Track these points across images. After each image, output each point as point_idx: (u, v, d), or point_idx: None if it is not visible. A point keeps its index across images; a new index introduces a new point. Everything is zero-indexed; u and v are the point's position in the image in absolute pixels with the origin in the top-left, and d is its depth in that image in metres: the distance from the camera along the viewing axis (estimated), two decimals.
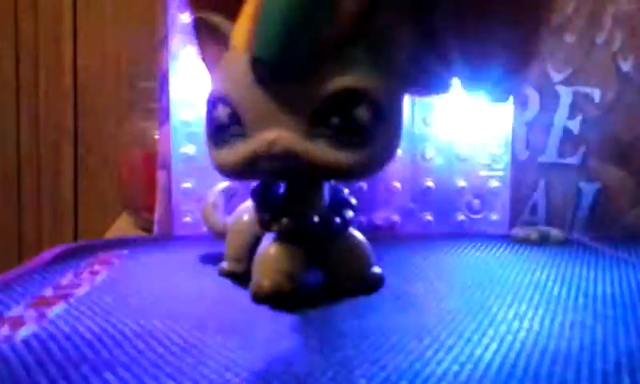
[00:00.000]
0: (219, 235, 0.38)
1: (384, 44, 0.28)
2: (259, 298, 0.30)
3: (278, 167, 0.28)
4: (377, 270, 0.33)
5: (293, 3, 0.26)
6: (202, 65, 0.32)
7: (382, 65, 0.28)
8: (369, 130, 0.28)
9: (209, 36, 0.31)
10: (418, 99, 0.47)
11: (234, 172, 0.30)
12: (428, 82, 0.30)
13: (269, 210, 0.32)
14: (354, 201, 0.33)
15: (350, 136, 0.27)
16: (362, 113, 0.27)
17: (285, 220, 0.31)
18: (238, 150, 0.28)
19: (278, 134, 0.27)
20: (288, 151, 0.27)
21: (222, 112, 0.29)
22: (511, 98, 0.44)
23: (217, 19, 0.30)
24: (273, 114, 0.27)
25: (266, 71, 0.27)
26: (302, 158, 0.27)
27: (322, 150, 0.27)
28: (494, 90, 0.30)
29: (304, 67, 0.27)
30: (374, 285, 0.33)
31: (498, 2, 0.27)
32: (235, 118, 0.28)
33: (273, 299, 0.30)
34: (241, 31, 0.27)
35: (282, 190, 0.33)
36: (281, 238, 0.31)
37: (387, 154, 0.30)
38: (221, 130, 0.29)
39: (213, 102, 0.30)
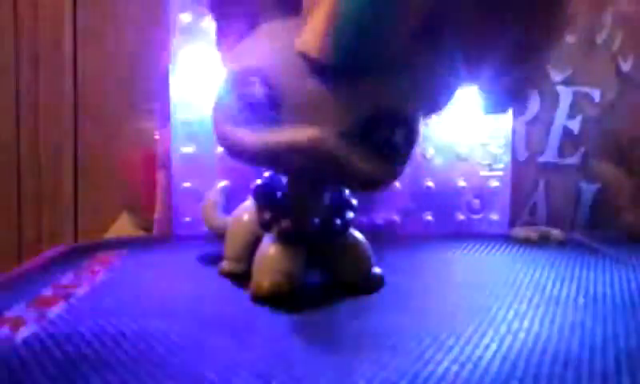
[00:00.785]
0: (219, 234, 0.38)
1: (423, 70, 0.28)
2: (259, 298, 0.30)
3: (307, 165, 0.26)
4: (377, 270, 0.33)
5: (365, 12, 0.25)
6: (223, 34, 0.30)
7: (419, 90, 0.28)
8: (401, 150, 0.28)
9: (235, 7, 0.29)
10: None
11: (255, 157, 0.28)
12: (439, 101, 0.31)
13: (270, 211, 0.32)
14: (354, 202, 0.33)
15: (385, 154, 0.27)
16: (400, 134, 0.27)
17: (285, 221, 0.31)
18: (269, 136, 0.26)
19: (324, 135, 0.26)
20: (330, 153, 0.26)
21: (257, 90, 0.26)
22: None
23: None
24: (319, 112, 0.26)
25: (320, 70, 0.26)
26: (339, 166, 0.26)
27: (359, 160, 0.27)
28: (504, 102, 0.30)
29: (359, 78, 0.26)
30: (374, 285, 0.33)
31: (513, 16, 0.27)
32: (272, 101, 0.26)
33: (272, 299, 0.30)
34: (312, 34, 0.26)
35: (283, 190, 0.32)
36: (281, 238, 0.31)
37: (404, 169, 0.29)
38: (249, 109, 0.27)
39: (245, 75, 0.27)
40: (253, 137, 0.27)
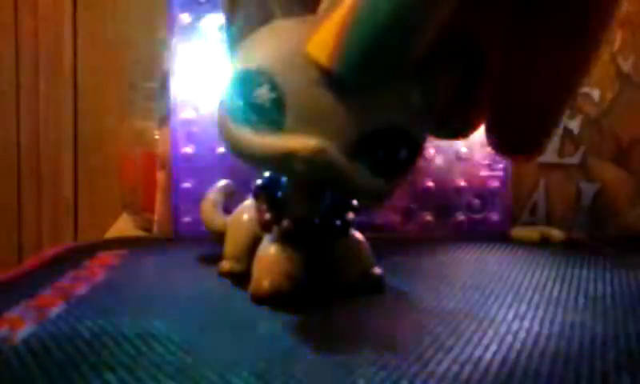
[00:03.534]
0: (218, 234, 0.38)
1: (435, 88, 0.27)
2: (259, 299, 0.30)
3: (306, 173, 0.26)
4: (377, 270, 0.33)
5: (383, 27, 0.23)
6: (232, 27, 0.29)
7: (428, 109, 0.27)
8: (404, 166, 0.27)
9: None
10: None
11: (255, 160, 0.27)
12: (455, 124, 0.29)
13: (270, 211, 0.32)
14: (354, 202, 0.33)
15: (388, 170, 0.27)
16: (405, 152, 0.27)
17: (285, 222, 0.31)
18: (271, 141, 0.26)
19: (324, 144, 0.25)
20: (331, 165, 0.25)
21: (262, 92, 0.26)
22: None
23: None
24: (323, 122, 0.25)
25: (328, 79, 0.25)
26: (342, 178, 0.26)
27: (360, 174, 0.26)
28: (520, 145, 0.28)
29: (368, 91, 0.25)
30: (374, 285, 0.33)
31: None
32: (276, 105, 0.26)
33: (272, 300, 0.30)
34: (324, 40, 0.25)
35: (283, 190, 0.32)
36: (281, 238, 0.31)
37: (404, 180, 0.29)
38: (253, 110, 0.26)
39: (252, 75, 0.26)
40: (255, 139, 0.26)
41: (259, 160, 0.27)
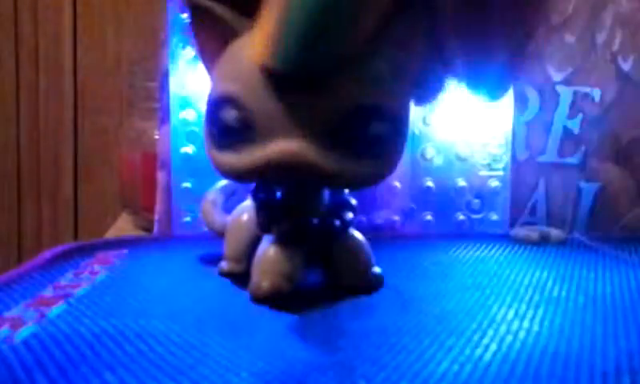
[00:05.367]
0: (219, 234, 0.38)
1: (401, 55, 0.27)
2: (258, 300, 0.30)
3: (290, 176, 0.27)
4: (377, 270, 0.33)
5: (314, 15, 0.24)
6: (199, 58, 0.31)
7: (399, 76, 0.28)
8: (385, 142, 0.28)
9: (207, 26, 0.29)
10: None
11: (241, 177, 0.28)
12: (430, 88, 0.30)
13: (269, 212, 0.32)
14: (353, 202, 0.33)
15: (366, 149, 0.27)
16: (380, 127, 0.27)
17: (284, 222, 0.31)
18: (247, 156, 0.27)
19: (297, 145, 0.26)
20: (307, 164, 0.26)
21: (230, 115, 0.27)
22: (508, 96, 0.44)
23: (217, 7, 0.28)
24: (289, 124, 0.26)
25: (283, 81, 0.26)
26: (319, 171, 0.26)
27: (339, 163, 0.26)
28: (492, 88, 0.30)
29: (322, 80, 0.26)
30: (374, 285, 0.33)
31: (499, 3, 0.27)
32: (244, 123, 0.27)
33: (272, 300, 0.30)
34: (262, 42, 0.26)
35: (281, 192, 0.32)
36: (280, 239, 0.31)
37: (398, 160, 0.29)
38: (226, 133, 0.28)
39: (217, 103, 0.28)
40: (233, 159, 0.28)
41: (244, 176, 0.28)
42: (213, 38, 0.29)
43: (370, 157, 0.27)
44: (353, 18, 0.25)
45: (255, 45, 0.26)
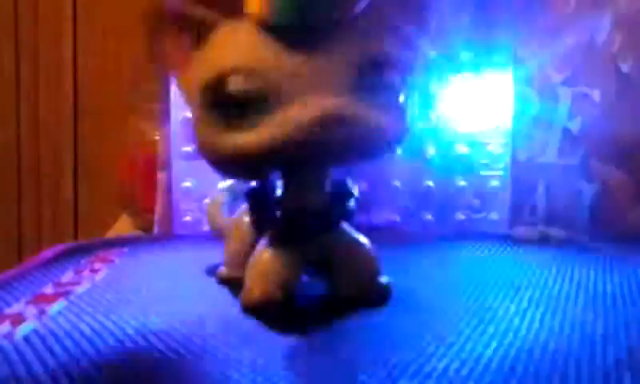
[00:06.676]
0: (223, 235, 0.37)
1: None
2: (248, 308, 0.28)
3: (318, 140, 0.25)
4: (384, 279, 0.31)
5: None
6: (161, 66, 0.30)
7: (403, 34, 0.28)
8: (399, 93, 0.27)
9: (180, 29, 0.28)
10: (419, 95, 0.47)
11: (251, 158, 0.26)
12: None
13: (264, 214, 0.30)
14: (355, 191, 0.31)
15: (386, 99, 0.27)
16: (394, 76, 0.27)
17: (280, 220, 0.29)
18: (265, 129, 0.25)
19: (336, 100, 0.25)
20: (353, 117, 0.25)
21: (243, 86, 0.25)
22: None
23: (196, 8, 0.28)
24: (314, 81, 0.25)
25: (289, 37, 0.25)
26: (365, 124, 0.25)
27: (368, 113, 0.25)
28: None
29: (329, 33, 0.26)
30: (379, 297, 0.30)
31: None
32: (256, 94, 0.25)
33: (262, 309, 0.28)
34: (252, 2, 0.26)
35: (276, 192, 0.31)
36: (275, 242, 0.29)
37: (413, 114, 0.29)
38: (234, 109, 0.25)
39: (218, 81, 0.26)
40: (241, 138, 0.25)
41: (255, 157, 0.25)
42: (184, 39, 0.28)
43: (390, 108, 0.27)
44: None
45: (251, 5, 0.26)
